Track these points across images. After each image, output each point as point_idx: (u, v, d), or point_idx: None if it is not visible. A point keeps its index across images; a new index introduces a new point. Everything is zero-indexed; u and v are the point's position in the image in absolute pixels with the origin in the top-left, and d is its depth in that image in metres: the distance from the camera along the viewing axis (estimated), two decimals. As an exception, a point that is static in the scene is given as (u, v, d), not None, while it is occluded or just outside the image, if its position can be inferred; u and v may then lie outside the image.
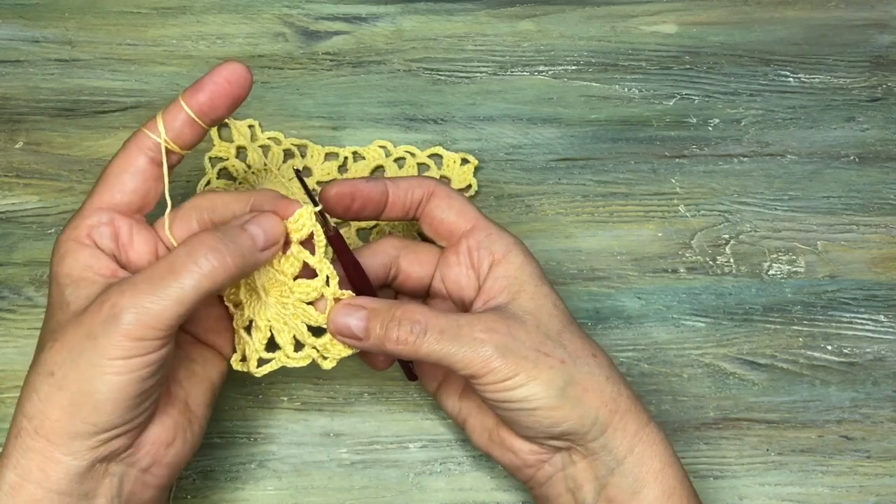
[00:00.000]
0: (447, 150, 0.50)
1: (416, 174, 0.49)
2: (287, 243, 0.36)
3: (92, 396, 0.31)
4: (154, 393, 0.33)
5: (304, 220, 0.36)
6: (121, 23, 0.54)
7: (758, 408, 0.44)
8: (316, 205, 0.36)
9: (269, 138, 0.50)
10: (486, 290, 0.38)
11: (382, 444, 0.43)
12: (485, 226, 0.39)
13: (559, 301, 0.38)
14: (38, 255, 0.46)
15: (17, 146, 0.50)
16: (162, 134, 0.35)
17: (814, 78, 0.54)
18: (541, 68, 0.54)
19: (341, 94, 0.52)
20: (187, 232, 0.36)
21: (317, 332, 0.37)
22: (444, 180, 0.50)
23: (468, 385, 0.37)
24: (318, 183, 0.49)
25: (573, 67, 0.54)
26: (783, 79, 0.54)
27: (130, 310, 0.31)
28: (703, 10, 0.56)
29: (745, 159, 0.51)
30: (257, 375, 0.38)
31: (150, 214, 0.37)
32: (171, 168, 0.36)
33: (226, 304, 0.38)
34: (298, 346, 0.37)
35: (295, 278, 0.36)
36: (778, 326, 0.46)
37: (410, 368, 0.41)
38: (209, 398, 0.37)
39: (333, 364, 0.37)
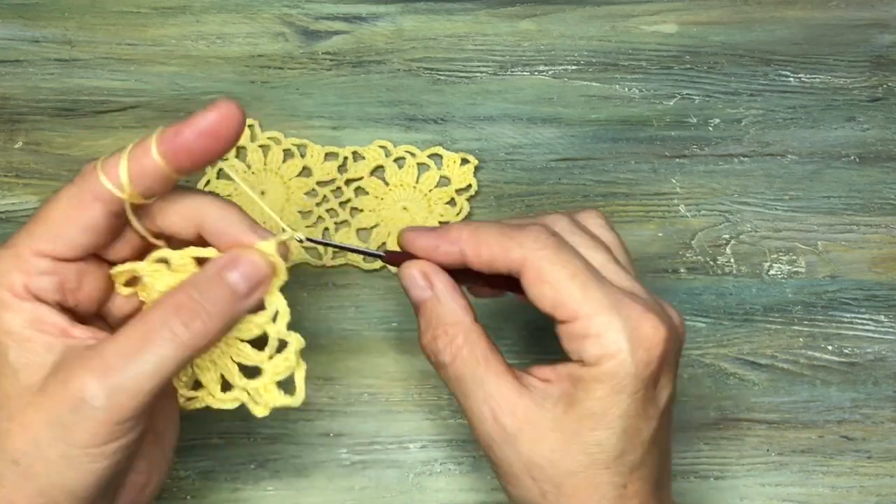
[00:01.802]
0: (447, 150, 0.50)
1: (416, 175, 0.49)
2: None
3: (65, 487, 0.28)
4: (130, 465, 0.30)
5: (269, 252, 0.31)
6: (120, 23, 0.54)
7: (758, 408, 0.44)
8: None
9: (268, 138, 0.50)
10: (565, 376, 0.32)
11: (382, 445, 0.43)
12: (585, 317, 0.30)
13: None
14: (38, 255, 0.46)
15: (16, 146, 0.50)
16: (125, 188, 0.29)
17: (814, 78, 0.54)
18: (541, 68, 0.54)
19: (341, 93, 0.52)
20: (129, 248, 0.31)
21: (250, 371, 0.32)
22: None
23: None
24: (318, 183, 0.49)
25: (573, 67, 0.54)
26: (784, 79, 0.54)
27: (103, 391, 0.27)
28: (703, 9, 0.56)
29: (746, 159, 0.51)
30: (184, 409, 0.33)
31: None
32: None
33: None
34: (227, 385, 0.32)
35: None
36: (778, 326, 0.46)
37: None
38: (175, 414, 0.34)
39: (266, 412, 0.32)
